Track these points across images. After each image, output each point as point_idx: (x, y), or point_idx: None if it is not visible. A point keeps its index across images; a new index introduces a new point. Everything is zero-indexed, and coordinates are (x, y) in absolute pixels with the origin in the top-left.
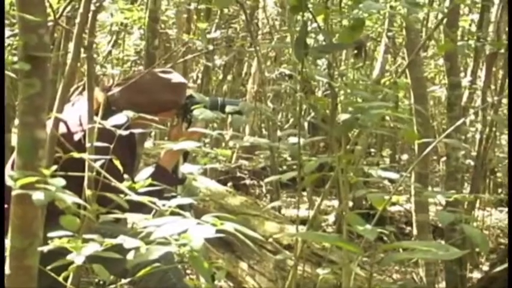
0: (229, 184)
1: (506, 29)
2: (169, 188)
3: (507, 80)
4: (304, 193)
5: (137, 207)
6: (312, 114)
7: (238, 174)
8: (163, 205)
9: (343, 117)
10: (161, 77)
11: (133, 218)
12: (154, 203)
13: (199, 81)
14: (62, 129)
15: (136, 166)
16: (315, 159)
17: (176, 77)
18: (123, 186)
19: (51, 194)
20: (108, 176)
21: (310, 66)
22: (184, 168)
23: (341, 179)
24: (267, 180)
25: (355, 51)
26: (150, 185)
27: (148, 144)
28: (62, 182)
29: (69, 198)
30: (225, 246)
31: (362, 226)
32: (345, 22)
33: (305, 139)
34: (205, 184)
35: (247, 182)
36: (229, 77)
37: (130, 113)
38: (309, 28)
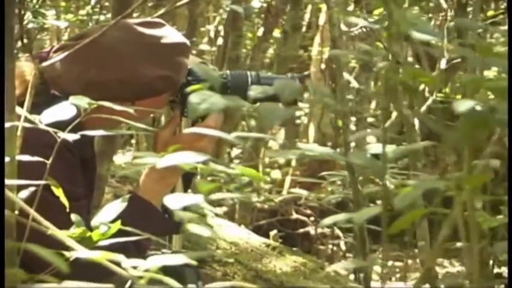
0: (273, 233)
1: None
2: (157, 238)
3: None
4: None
5: (97, 273)
6: (429, 102)
7: (295, 215)
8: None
9: (461, 106)
10: (142, 33)
11: None
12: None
13: (220, 41)
14: None
15: (98, 200)
16: (412, 182)
17: (170, 34)
18: (68, 236)
19: None
20: (39, 217)
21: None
22: (186, 200)
23: (460, 221)
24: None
25: None
26: (121, 232)
27: (120, 157)
28: None
29: None
30: None
31: None
32: None
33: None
34: (226, 232)
35: (312, 229)
36: (276, 33)
37: (83, 101)
38: None
